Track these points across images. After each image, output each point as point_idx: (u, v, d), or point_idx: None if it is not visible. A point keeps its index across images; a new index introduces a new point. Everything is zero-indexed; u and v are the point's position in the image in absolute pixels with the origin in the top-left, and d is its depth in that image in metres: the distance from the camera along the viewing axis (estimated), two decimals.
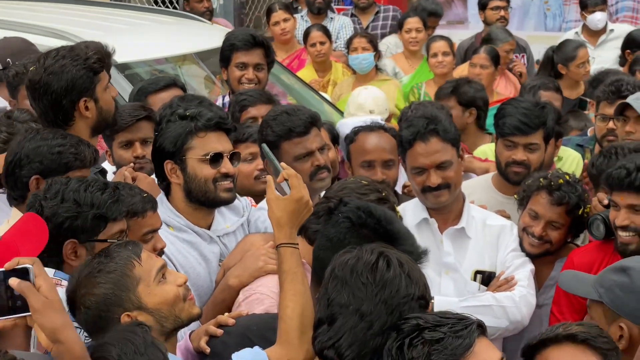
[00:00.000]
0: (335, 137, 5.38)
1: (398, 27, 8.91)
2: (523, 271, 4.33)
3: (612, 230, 4.30)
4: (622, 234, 4.13)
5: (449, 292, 4.28)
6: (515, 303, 4.21)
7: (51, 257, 3.25)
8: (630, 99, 5.25)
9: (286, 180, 3.31)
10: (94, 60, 4.02)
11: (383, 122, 5.01)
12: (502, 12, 9.20)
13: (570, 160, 5.61)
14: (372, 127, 4.84)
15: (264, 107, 5.29)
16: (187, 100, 4.20)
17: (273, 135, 4.27)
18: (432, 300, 4.11)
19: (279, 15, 8.98)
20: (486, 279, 4.32)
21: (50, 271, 3.22)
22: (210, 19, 9.26)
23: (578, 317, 4.33)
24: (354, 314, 2.65)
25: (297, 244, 3.28)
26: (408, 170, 4.38)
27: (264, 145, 3.62)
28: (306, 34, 8.62)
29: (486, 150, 5.73)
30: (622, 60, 7.99)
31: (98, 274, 3.04)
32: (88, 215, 3.30)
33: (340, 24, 9.76)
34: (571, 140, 6.02)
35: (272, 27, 9.02)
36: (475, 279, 4.33)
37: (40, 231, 3.13)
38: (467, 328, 2.52)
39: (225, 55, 5.78)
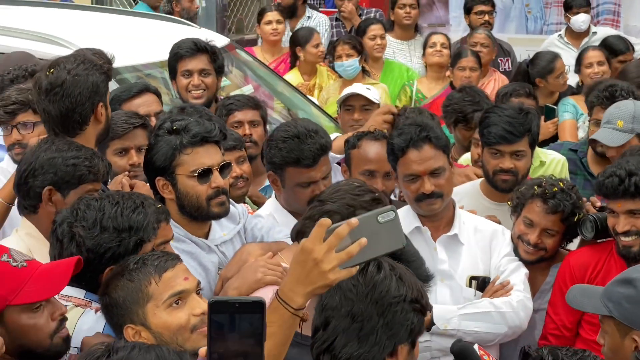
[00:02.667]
0: None
1: (357, 32, 8.90)
2: (518, 275, 4.36)
3: (602, 231, 4.39)
4: (624, 238, 4.22)
5: (446, 300, 4.30)
6: (513, 308, 4.24)
7: (90, 284, 3.26)
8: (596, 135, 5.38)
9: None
10: (107, 67, 4.06)
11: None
12: (487, 17, 9.25)
13: (554, 165, 5.66)
14: (376, 136, 4.84)
15: (250, 112, 5.35)
16: (185, 112, 4.22)
17: (280, 158, 4.29)
18: (430, 310, 4.19)
19: (273, 15, 9.08)
20: (481, 284, 4.35)
21: (80, 292, 3.27)
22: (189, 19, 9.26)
23: (573, 318, 4.43)
24: (345, 315, 2.69)
25: (290, 306, 2.60)
26: (400, 179, 4.38)
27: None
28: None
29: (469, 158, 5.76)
30: None
31: (121, 278, 3.08)
32: (130, 242, 3.31)
33: (316, 23, 9.80)
34: (564, 145, 6.08)
35: (263, 26, 9.06)
36: (470, 285, 4.35)
37: (61, 280, 3.07)
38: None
39: (171, 66, 5.73)
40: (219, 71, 5.74)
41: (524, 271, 4.41)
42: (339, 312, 2.70)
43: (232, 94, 6.37)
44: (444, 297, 4.31)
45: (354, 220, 2.50)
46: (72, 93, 4.00)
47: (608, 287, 3.12)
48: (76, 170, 3.73)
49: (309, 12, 10.01)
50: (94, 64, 4.07)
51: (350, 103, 6.32)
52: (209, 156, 3.94)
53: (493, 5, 9.42)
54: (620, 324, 2.98)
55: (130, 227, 3.31)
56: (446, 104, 6.13)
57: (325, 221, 2.53)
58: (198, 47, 5.68)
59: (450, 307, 4.23)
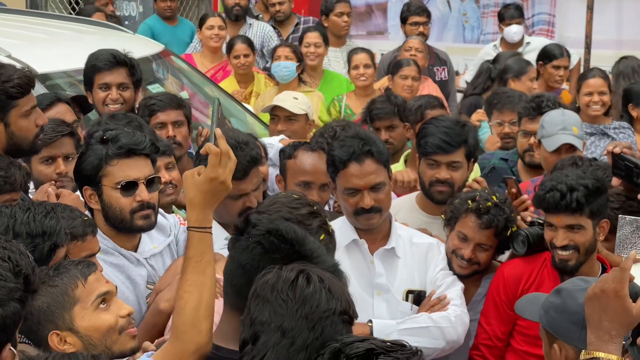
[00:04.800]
0: (265, 151, 5.37)
1: (299, 41, 8.86)
2: (454, 290, 4.36)
3: (534, 246, 4.41)
4: (561, 252, 4.24)
5: (382, 313, 4.28)
6: (452, 323, 4.23)
7: None
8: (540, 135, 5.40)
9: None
10: (13, 84, 3.94)
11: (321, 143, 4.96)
12: (422, 28, 9.27)
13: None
14: (312, 147, 4.81)
15: (173, 112, 5.27)
16: (116, 119, 4.14)
17: None
18: (370, 324, 4.18)
19: (215, 20, 8.95)
20: (417, 297, 4.34)
21: None
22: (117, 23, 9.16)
23: (505, 328, 4.45)
24: (276, 330, 2.67)
25: (209, 227, 3.05)
26: (339, 191, 4.33)
27: (217, 99, 3.35)
28: (230, 46, 8.57)
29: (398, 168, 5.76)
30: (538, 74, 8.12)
31: (41, 285, 2.97)
32: (44, 247, 3.26)
33: (263, 33, 9.73)
34: (495, 154, 6.13)
35: (204, 30, 8.90)
36: (407, 299, 4.34)
37: None
38: (417, 355, 2.58)
39: (88, 77, 5.60)
40: (137, 84, 5.63)
41: (459, 285, 4.41)
42: (269, 327, 2.68)
43: None
44: (381, 310, 4.29)
45: (219, 132, 3.03)
46: None
47: (547, 297, 3.15)
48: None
49: (249, 19, 9.92)
50: None
51: (275, 113, 6.30)
52: (136, 168, 3.88)
53: (428, 16, 9.44)
54: (548, 332, 3.01)
55: (43, 232, 3.27)
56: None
57: (214, 148, 3.00)
58: (117, 60, 5.53)
59: (389, 322, 4.21)
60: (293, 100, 6.36)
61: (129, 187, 3.86)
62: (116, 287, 3.23)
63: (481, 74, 8.15)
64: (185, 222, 4.43)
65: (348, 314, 2.74)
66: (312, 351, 2.65)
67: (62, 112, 5.10)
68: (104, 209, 3.90)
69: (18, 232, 3.25)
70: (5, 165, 3.75)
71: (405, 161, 5.86)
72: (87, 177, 3.91)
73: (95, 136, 3.94)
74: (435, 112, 6.09)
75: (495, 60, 8.18)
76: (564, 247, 4.23)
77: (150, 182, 3.92)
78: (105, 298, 3.10)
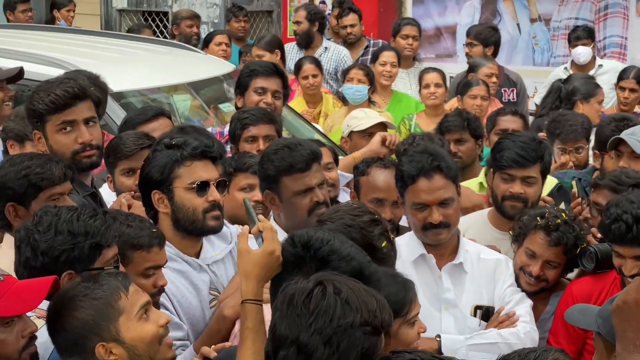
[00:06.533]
0: (336, 157, 5.40)
1: (372, 59, 8.92)
2: (524, 307, 4.32)
3: (602, 262, 4.36)
4: (631, 279, 4.15)
5: (450, 328, 4.26)
6: (521, 340, 4.18)
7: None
8: (624, 135, 5.31)
9: (261, 232, 3.22)
10: (43, 101, 4.23)
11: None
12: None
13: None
14: (385, 164, 4.81)
15: (265, 127, 5.29)
16: (185, 131, 4.22)
17: (273, 170, 4.25)
18: (438, 339, 4.17)
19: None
20: (485, 313, 4.31)
21: (45, 303, 3.20)
22: (197, 45, 9.33)
23: (574, 347, 4.39)
24: (292, 345, 2.65)
25: (262, 300, 3.19)
26: (407, 206, 4.33)
27: (246, 199, 3.50)
28: (298, 66, 8.65)
29: (469, 185, 5.74)
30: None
31: (83, 298, 3.02)
32: (84, 245, 3.29)
33: (339, 57, 9.77)
34: (567, 174, 6.04)
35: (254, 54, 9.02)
36: (475, 314, 4.31)
37: (35, 298, 3.08)
38: None
39: (243, 81, 5.78)
40: (286, 98, 5.91)
41: (529, 302, 4.38)
42: (285, 342, 2.67)
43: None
44: (448, 325, 4.28)
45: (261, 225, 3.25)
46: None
47: (604, 305, 3.11)
48: (29, 180, 3.80)
49: (326, 42, 9.96)
50: (43, 92, 4.30)
51: (372, 131, 6.22)
52: (207, 171, 3.96)
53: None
54: (607, 341, 2.96)
55: (86, 232, 3.30)
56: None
57: (267, 224, 3.24)
58: (276, 69, 5.80)
59: (458, 337, 4.19)
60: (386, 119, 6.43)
61: (202, 187, 3.93)
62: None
63: (551, 93, 8.08)
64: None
65: (371, 325, 2.67)
66: None
67: (164, 125, 5.20)
68: (175, 211, 3.95)
69: (60, 230, 3.29)
70: (42, 163, 3.86)
71: (486, 174, 5.80)
72: (156, 181, 3.96)
73: (161, 143, 4.01)
74: (507, 117, 6.10)
75: (566, 81, 8.11)
76: (633, 276, 4.13)
77: (218, 185, 3.99)
78: (147, 308, 3.11)
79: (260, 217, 3.29)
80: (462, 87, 7.96)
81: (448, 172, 4.28)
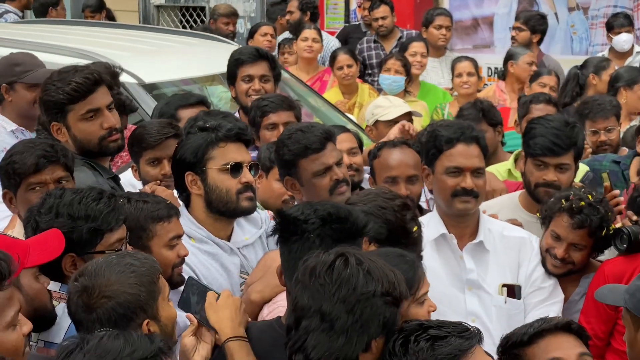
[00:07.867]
0: (360, 143, 5.40)
1: (401, 50, 8.93)
2: (557, 304, 4.38)
3: (635, 244, 4.32)
4: None
5: (474, 308, 4.26)
6: None
7: (52, 270, 3.26)
8: None
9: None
10: (63, 91, 4.23)
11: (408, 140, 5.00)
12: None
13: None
14: (395, 143, 4.85)
15: (284, 114, 5.34)
16: (212, 115, 4.25)
17: (290, 154, 4.29)
18: None
19: (310, 32, 9.18)
20: (510, 290, 4.31)
21: (55, 285, 3.28)
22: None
23: (605, 327, 4.36)
24: (315, 315, 2.71)
25: (245, 337, 3.21)
26: (438, 172, 4.28)
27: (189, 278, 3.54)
28: (333, 57, 8.68)
29: (498, 169, 5.70)
30: None
31: (132, 274, 3.05)
32: (83, 228, 3.32)
33: (329, 47, 9.82)
34: (607, 157, 5.97)
35: (299, 42, 9.16)
36: (502, 293, 4.30)
37: (57, 245, 3.18)
38: (469, 331, 2.63)
39: (231, 72, 5.82)
40: (277, 78, 5.88)
41: (560, 296, 4.42)
42: (308, 312, 2.72)
43: None
44: (473, 305, 4.28)
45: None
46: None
47: (632, 281, 3.09)
48: (7, 171, 3.90)
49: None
50: (63, 82, 4.28)
51: (398, 121, 6.18)
52: (240, 153, 4.03)
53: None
54: (635, 316, 2.93)
55: (86, 216, 3.33)
56: None
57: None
58: (260, 54, 5.77)
59: None
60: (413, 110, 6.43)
61: (236, 168, 3.99)
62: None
63: (569, 81, 8.01)
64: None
65: (392, 295, 2.74)
66: (352, 334, 2.68)
67: None
68: (208, 192, 3.99)
69: (60, 213, 3.33)
70: (21, 151, 3.92)
71: (515, 160, 5.75)
72: (189, 163, 4.01)
73: (195, 126, 4.05)
74: (540, 106, 6.06)
75: (582, 66, 8.00)
76: None
77: (251, 168, 4.05)
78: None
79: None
80: (534, 75, 7.88)
81: (483, 145, 4.32)
